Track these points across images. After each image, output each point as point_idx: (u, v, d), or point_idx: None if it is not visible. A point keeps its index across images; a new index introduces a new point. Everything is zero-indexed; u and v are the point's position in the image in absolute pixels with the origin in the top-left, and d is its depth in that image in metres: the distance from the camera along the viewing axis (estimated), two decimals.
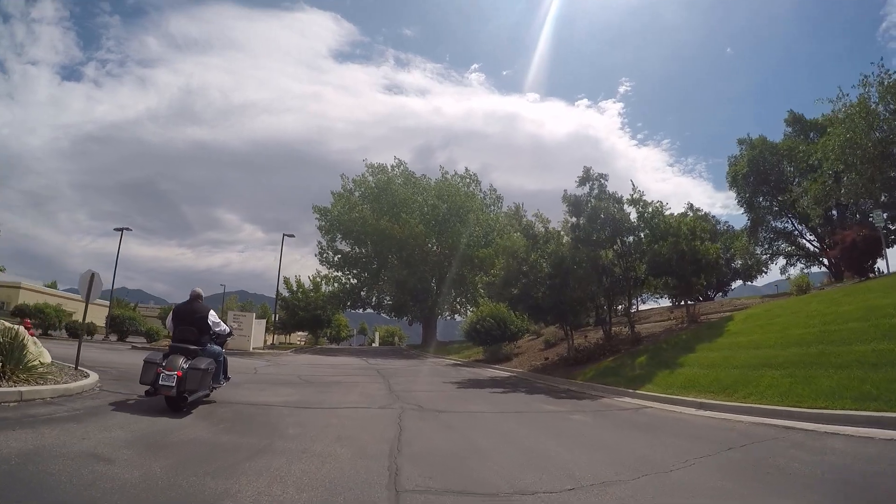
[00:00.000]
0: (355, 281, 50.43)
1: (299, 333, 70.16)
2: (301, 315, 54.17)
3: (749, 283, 40.52)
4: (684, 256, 18.11)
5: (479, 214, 46.79)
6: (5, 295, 53.56)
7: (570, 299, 18.52)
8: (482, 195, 50.38)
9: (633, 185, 20.19)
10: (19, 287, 57.79)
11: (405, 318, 52.46)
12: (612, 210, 19.02)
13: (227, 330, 9.19)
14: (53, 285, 71.16)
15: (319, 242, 48.84)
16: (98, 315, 42.45)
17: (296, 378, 14.65)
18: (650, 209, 19.37)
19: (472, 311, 28.43)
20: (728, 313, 19.05)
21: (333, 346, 64.05)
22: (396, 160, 49.39)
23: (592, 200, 19.40)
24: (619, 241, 19.40)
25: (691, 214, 20.47)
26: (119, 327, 34.72)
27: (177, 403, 7.40)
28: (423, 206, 46.09)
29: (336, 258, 48.57)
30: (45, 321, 32.18)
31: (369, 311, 55.47)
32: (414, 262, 44.20)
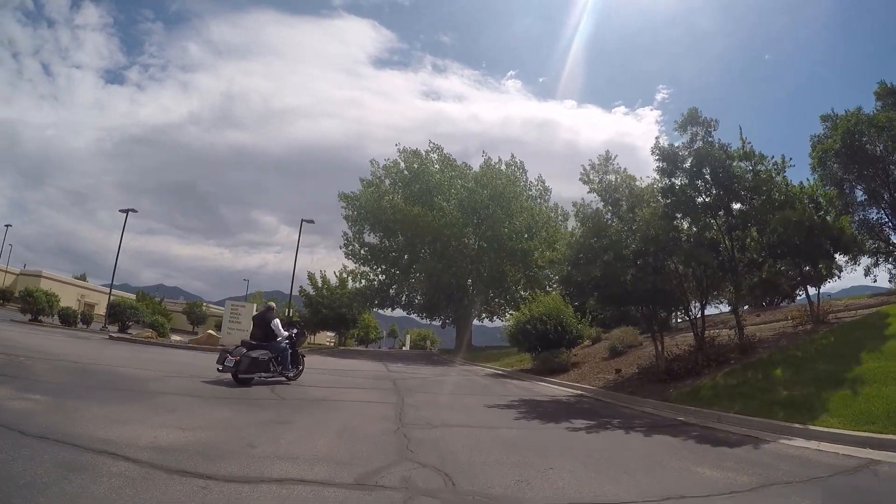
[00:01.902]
0: (384, 277, 45.49)
1: (328, 334, 65.95)
2: (325, 313, 49.83)
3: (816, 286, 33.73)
4: (813, 231, 13.52)
5: (523, 203, 41.38)
6: (27, 283, 52.22)
7: (664, 288, 13.21)
8: (527, 185, 44.86)
9: (742, 133, 14.79)
10: (40, 276, 57.06)
11: (437, 318, 47.28)
12: (721, 164, 13.74)
13: (286, 334, 11.80)
14: (83, 277, 69.96)
15: (345, 234, 44.15)
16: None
17: (268, 392, 9.66)
18: (768, 167, 14.07)
19: (516, 312, 22.92)
20: (858, 312, 14.99)
21: (361, 348, 59.50)
22: (432, 144, 44.27)
23: (692, 153, 14.16)
24: (727, 209, 14.12)
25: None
26: (119, 317, 30.92)
27: (237, 379, 10.16)
28: (461, 192, 40.90)
29: (363, 251, 43.73)
30: (33, 306, 28.54)
31: (399, 312, 50.56)
32: (449, 255, 39.02)
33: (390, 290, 45.76)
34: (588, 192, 15.37)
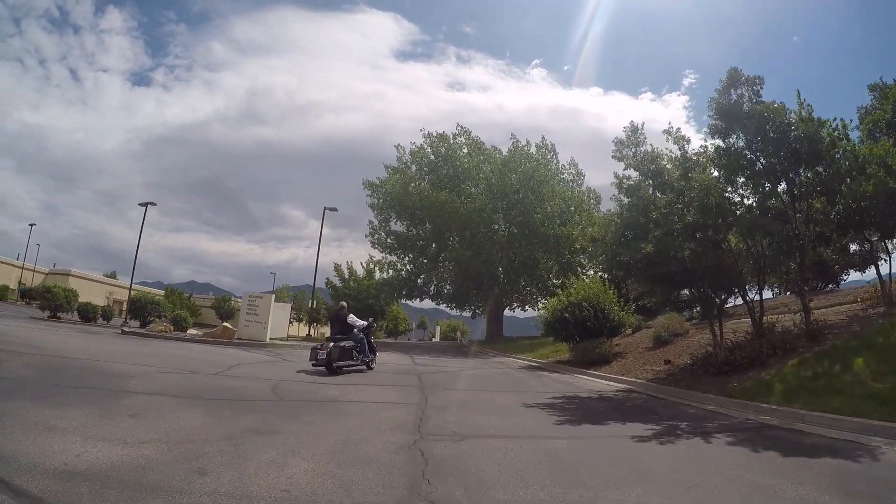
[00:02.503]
0: (411, 266, 44.03)
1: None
2: (351, 305, 48.72)
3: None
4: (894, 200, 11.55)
5: (555, 186, 39.38)
6: (56, 282, 52.77)
7: (724, 266, 11.44)
8: (559, 169, 42.73)
9: (799, 95, 12.82)
10: (69, 274, 57.87)
11: (467, 309, 45.65)
12: (781, 124, 11.86)
13: (363, 324, 13.62)
14: (112, 275, 70.77)
15: (370, 222, 42.74)
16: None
17: (268, 391, 8.25)
18: (830, 131, 12.15)
19: (551, 299, 21.10)
20: None
21: (389, 340, 58.38)
22: (459, 127, 42.46)
23: (750, 112, 12.29)
24: (789, 176, 12.26)
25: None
26: (140, 312, 30.22)
27: (330, 369, 11.49)
28: (490, 178, 39.10)
29: (389, 240, 42.33)
30: (51, 302, 27.96)
31: (428, 303, 49.17)
32: (478, 242, 37.31)
33: (418, 280, 44.31)
34: (624, 169, 13.62)
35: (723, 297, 12.59)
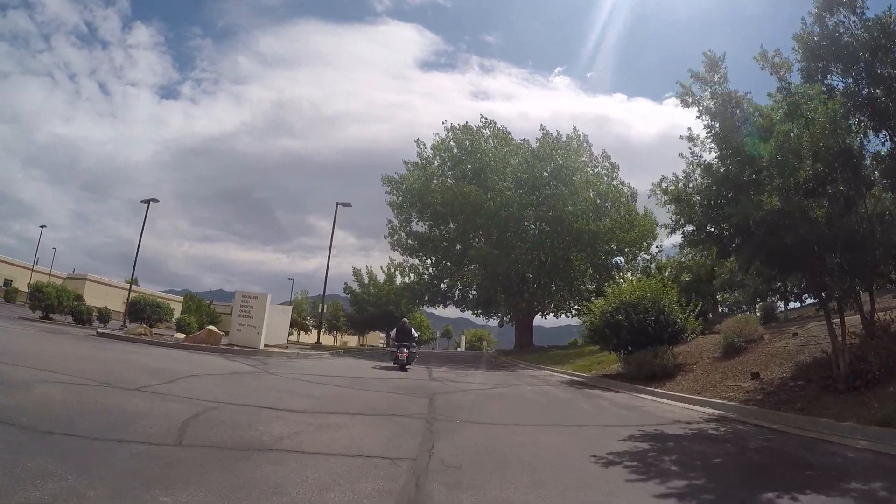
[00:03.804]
0: (434, 270, 40.77)
1: (380, 334, 62.04)
2: (370, 311, 45.87)
3: None
4: None
5: (588, 177, 35.85)
6: (73, 286, 51.78)
7: (858, 238, 8.03)
8: (592, 161, 39.03)
9: None
10: (85, 279, 56.96)
11: (494, 316, 42.17)
12: None
13: (417, 335, 18.26)
14: (134, 281, 69.48)
15: (390, 222, 39.62)
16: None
17: (178, 422, 5.10)
18: None
19: (596, 301, 17.42)
20: None
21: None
22: (484, 119, 39.09)
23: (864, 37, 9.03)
24: None
25: None
26: (139, 315, 27.81)
27: (403, 368, 15.39)
28: (519, 171, 35.74)
29: (410, 241, 39.16)
30: (42, 302, 25.67)
31: (453, 311, 45.92)
32: (506, 241, 33.85)
33: (441, 285, 41.05)
34: (697, 117, 10.25)
35: (855, 280, 9.05)
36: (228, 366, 12.01)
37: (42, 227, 55.68)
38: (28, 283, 51.36)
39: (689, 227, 9.31)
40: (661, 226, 10.22)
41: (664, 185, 9.75)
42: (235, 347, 16.98)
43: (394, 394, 9.41)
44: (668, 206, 9.50)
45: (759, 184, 8.16)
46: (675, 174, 9.86)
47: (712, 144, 9.86)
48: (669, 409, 9.67)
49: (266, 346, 18.17)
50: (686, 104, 10.48)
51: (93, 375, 7.56)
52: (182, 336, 18.54)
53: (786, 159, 8.00)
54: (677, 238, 10.94)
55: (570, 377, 17.06)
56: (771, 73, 9.82)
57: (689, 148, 10.52)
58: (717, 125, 9.62)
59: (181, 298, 69.78)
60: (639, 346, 14.29)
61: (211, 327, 18.09)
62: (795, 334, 13.49)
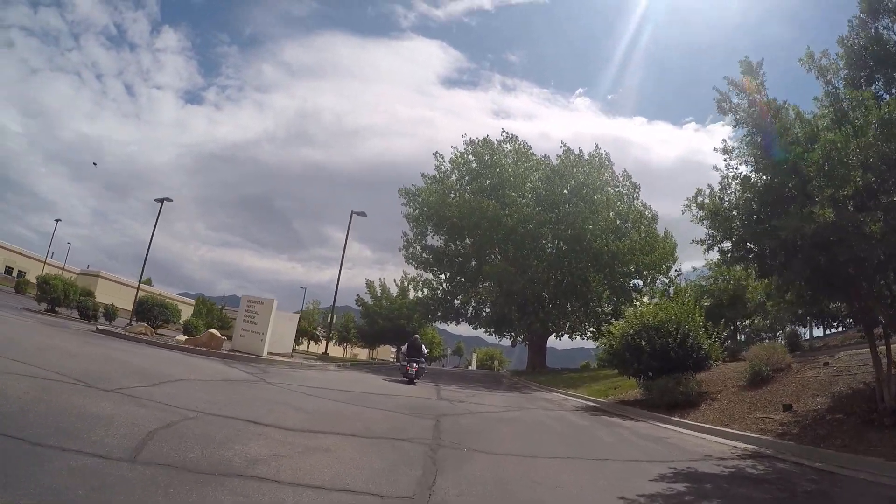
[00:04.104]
0: (448, 285, 39.89)
1: (391, 349, 61.20)
2: (382, 325, 45.10)
3: None
4: None
5: (609, 196, 34.96)
6: (86, 283, 52.14)
7: None
8: (614, 180, 38.08)
9: None
10: (98, 276, 57.43)
11: (507, 335, 41.10)
12: None
13: (426, 351, 20.04)
14: (148, 282, 69.77)
15: (405, 234, 38.88)
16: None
17: (143, 430, 4.41)
18: None
19: (616, 322, 16.52)
20: None
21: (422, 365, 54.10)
22: (505, 133, 38.40)
23: None
24: None
25: None
26: (146, 314, 27.43)
27: (412, 381, 16.19)
28: (539, 187, 34.97)
29: (424, 255, 38.39)
30: (48, 295, 25.41)
31: (465, 328, 44.96)
32: (523, 258, 32.99)
33: (455, 301, 40.12)
34: (735, 127, 9.56)
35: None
36: (224, 372, 11.36)
37: (57, 220, 55.95)
38: (38, 276, 51.91)
39: (727, 245, 8.50)
40: (695, 241, 9.45)
41: (699, 199, 8.95)
42: (237, 353, 16.33)
43: (396, 413, 8.61)
44: (704, 222, 8.70)
45: (806, 195, 7.35)
46: (710, 186, 9.06)
47: (749, 157, 9.11)
48: (698, 443, 8.80)
49: (270, 353, 17.52)
50: (723, 111, 9.78)
51: (69, 372, 6.96)
52: (184, 338, 17.94)
53: (834, 170, 7.20)
54: (713, 255, 10.13)
55: (585, 402, 16.15)
56: (817, 77, 9.06)
57: (724, 160, 9.78)
58: (756, 134, 8.88)
59: (193, 301, 69.99)
60: (660, 371, 13.41)
61: (213, 331, 17.48)
62: (826, 363, 12.64)
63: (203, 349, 15.63)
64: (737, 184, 8.63)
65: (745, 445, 8.65)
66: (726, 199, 8.76)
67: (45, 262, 51.83)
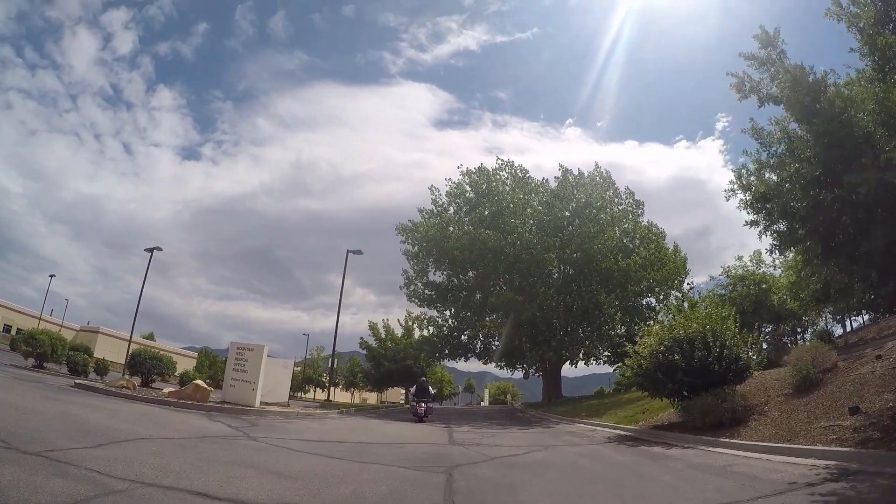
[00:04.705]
0: (453, 322, 38.31)
1: (400, 391, 59.11)
2: (387, 367, 43.32)
3: None
4: None
5: (614, 213, 33.81)
6: (86, 339, 51.24)
7: None
8: (618, 199, 36.94)
9: None
10: (98, 332, 56.81)
11: (519, 367, 39.32)
12: None
13: (433, 392, 22.61)
14: (150, 336, 68.65)
15: (405, 272, 37.56)
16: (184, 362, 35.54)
17: None
18: None
19: (644, 338, 14.70)
20: None
21: (432, 405, 51.97)
22: (500, 161, 37.30)
23: None
24: None
25: None
26: (139, 368, 25.99)
27: (421, 420, 17.78)
28: (540, 212, 33.81)
29: (427, 291, 36.97)
30: (35, 350, 24.07)
31: (475, 365, 43.18)
32: (530, 286, 31.53)
33: (462, 337, 38.51)
34: (759, 107, 8.41)
35: None
36: (202, 427, 9.84)
37: (51, 276, 55.03)
38: (21, 331, 50.71)
39: (781, 226, 7.18)
40: (747, 223, 8.12)
41: (743, 180, 7.67)
42: (226, 405, 14.79)
43: (400, 468, 6.97)
44: (756, 206, 7.41)
45: (872, 147, 6.10)
46: (744, 167, 7.80)
47: (792, 121, 7.87)
48: (768, 467, 7.28)
49: (264, 403, 15.96)
50: (743, 93, 8.62)
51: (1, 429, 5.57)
52: (168, 391, 16.43)
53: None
54: (765, 242, 8.78)
55: (615, 431, 14.51)
56: (849, 28, 7.92)
57: (755, 140, 8.55)
58: (797, 96, 7.65)
59: (195, 354, 68.51)
60: (697, 389, 11.86)
61: (198, 382, 15.98)
62: (879, 356, 11.41)
63: (187, 402, 14.10)
64: (782, 151, 7.35)
65: (824, 462, 7.19)
66: (768, 175, 7.48)
67: (39, 318, 50.46)
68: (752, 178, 7.86)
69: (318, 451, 8.27)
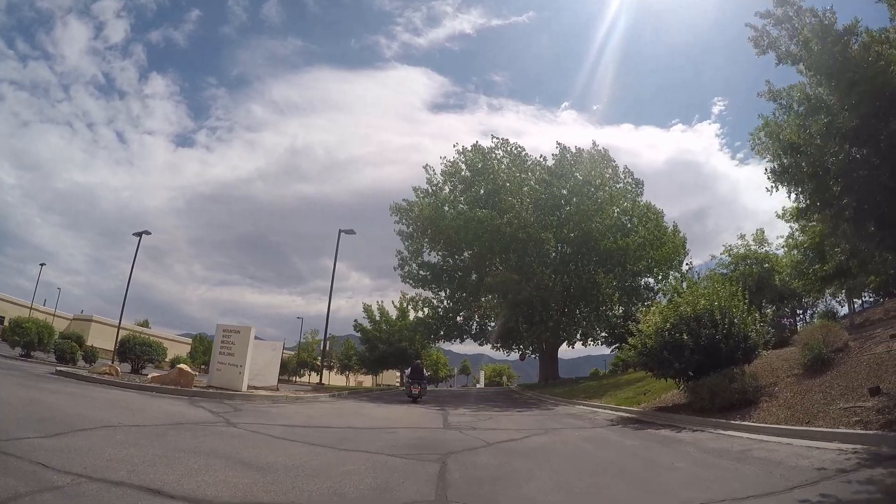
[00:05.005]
0: (449, 302, 37.77)
1: (396, 374, 58.79)
2: (382, 349, 42.82)
3: None
4: None
5: (613, 191, 33.14)
6: (79, 328, 50.46)
7: None
8: (616, 178, 36.24)
9: None
10: (91, 320, 56.57)
11: (515, 349, 38.94)
12: None
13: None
14: (145, 324, 68.04)
15: (399, 253, 36.93)
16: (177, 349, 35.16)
17: None
18: None
19: (649, 314, 14.09)
20: None
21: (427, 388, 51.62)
22: (497, 139, 36.47)
23: None
24: None
25: None
26: (128, 355, 25.39)
27: (415, 400, 18.33)
28: (537, 191, 33.08)
29: (422, 272, 36.38)
30: (22, 339, 23.31)
31: (470, 346, 42.71)
32: (526, 265, 30.91)
33: (457, 318, 37.99)
34: (777, 64, 7.70)
35: None
36: (180, 414, 9.20)
37: (42, 265, 53.86)
38: (7, 319, 50.00)
39: (810, 186, 6.50)
40: (771, 184, 7.43)
41: (767, 129, 6.96)
42: (211, 390, 14.19)
43: (389, 455, 6.30)
44: (784, 160, 6.71)
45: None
46: (773, 115, 7.08)
47: (817, 80, 7.16)
48: (790, 451, 6.71)
49: (251, 387, 15.37)
50: (761, 49, 7.90)
51: None
52: (151, 377, 15.81)
53: None
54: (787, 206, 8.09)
55: (617, 413, 13.97)
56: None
57: (774, 102, 7.86)
58: (818, 53, 6.93)
59: (189, 341, 67.92)
60: (704, 369, 11.29)
61: (182, 366, 15.31)
62: (894, 336, 11.05)
63: (171, 387, 13.46)
64: (804, 108, 6.64)
65: (851, 447, 6.68)
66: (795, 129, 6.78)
67: (31, 308, 49.66)
68: (784, 125, 7.14)
69: (301, 437, 7.62)
